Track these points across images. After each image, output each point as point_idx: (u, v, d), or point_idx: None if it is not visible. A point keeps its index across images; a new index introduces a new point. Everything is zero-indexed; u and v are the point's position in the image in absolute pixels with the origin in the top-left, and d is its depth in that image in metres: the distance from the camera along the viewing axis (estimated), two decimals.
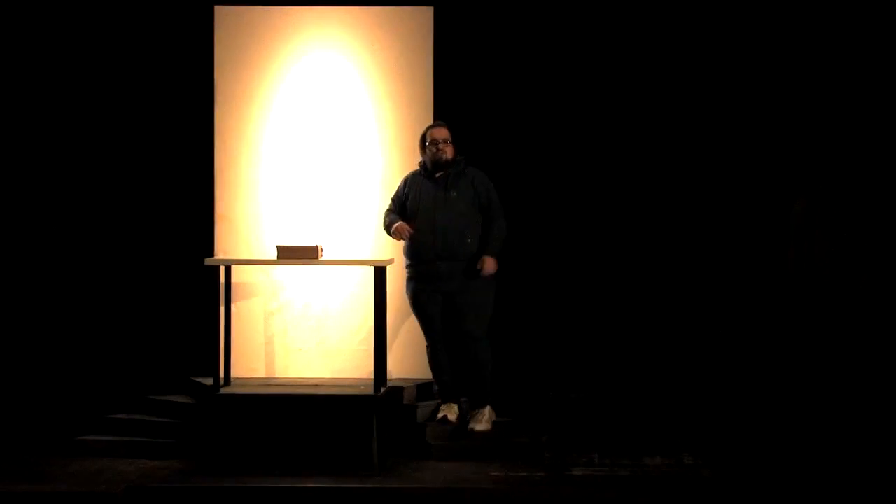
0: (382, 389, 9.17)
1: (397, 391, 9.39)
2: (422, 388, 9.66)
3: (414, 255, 9.37)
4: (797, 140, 10.36)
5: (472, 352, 9.29)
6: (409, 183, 9.50)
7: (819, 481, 8.55)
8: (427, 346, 9.48)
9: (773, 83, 10.37)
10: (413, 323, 9.65)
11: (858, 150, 10.32)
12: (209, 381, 9.33)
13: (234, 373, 9.69)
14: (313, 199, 9.96)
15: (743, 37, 10.36)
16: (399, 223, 9.35)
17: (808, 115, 10.34)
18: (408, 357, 9.82)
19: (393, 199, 9.56)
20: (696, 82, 10.41)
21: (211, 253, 9.88)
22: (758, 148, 10.39)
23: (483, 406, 9.35)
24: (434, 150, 9.39)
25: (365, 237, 9.90)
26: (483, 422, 9.29)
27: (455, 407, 9.40)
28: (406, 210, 9.45)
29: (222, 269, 9.49)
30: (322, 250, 9.37)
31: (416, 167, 9.66)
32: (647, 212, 10.45)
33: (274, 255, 9.41)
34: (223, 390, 9.29)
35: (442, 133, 9.43)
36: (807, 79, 10.34)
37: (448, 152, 9.40)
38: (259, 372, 9.91)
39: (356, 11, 9.97)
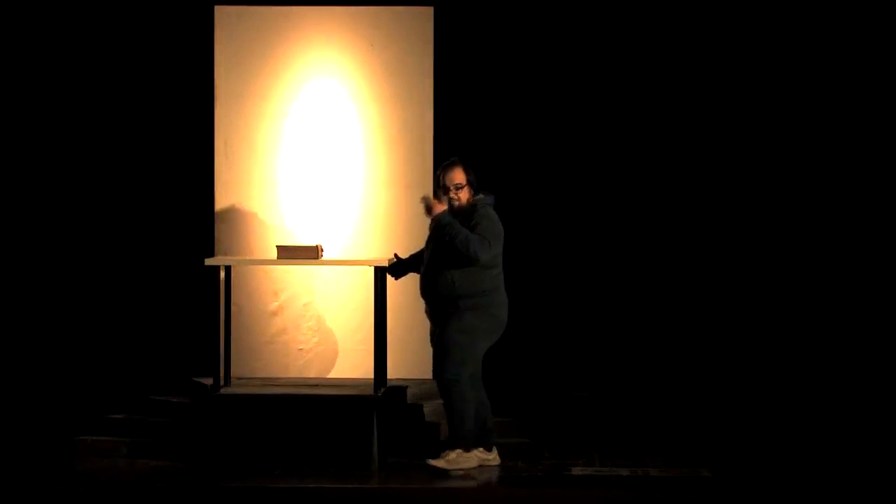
0: (382, 389, 9.17)
1: (397, 391, 9.39)
2: (422, 388, 9.65)
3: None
4: (793, 139, 10.37)
5: (443, 394, 8.74)
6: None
7: (819, 481, 8.54)
8: None
9: (767, 85, 10.37)
10: (413, 323, 9.67)
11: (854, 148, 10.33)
12: (209, 381, 9.33)
13: (234, 373, 9.69)
14: (313, 199, 9.95)
15: (746, 41, 10.36)
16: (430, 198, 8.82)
17: (798, 116, 10.35)
18: (408, 357, 9.81)
19: None
20: (696, 85, 10.41)
21: (211, 253, 9.88)
22: (756, 151, 10.39)
23: (452, 448, 8.77)
24: (447, 197, 8.79)
25: (365, 237, 9.90)
26: (442, 460, 8.74)
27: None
28: None
29: (222, 269, 9.49)
30: (322, 250, 9.36)
31: (413, 168, 9.70)
32: (652, 211, 10.44)
33: (274, 255, 9.40)
34: (223, 390, 9.28)
35: (454, 178, 8.79)
36: (795, 78, 10.34)
37: (462, 198, 8.75)
38: (259, 372, 9.90)
39: (356, 11, 9.96)
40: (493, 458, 8.93)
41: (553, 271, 10.44)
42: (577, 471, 8.84)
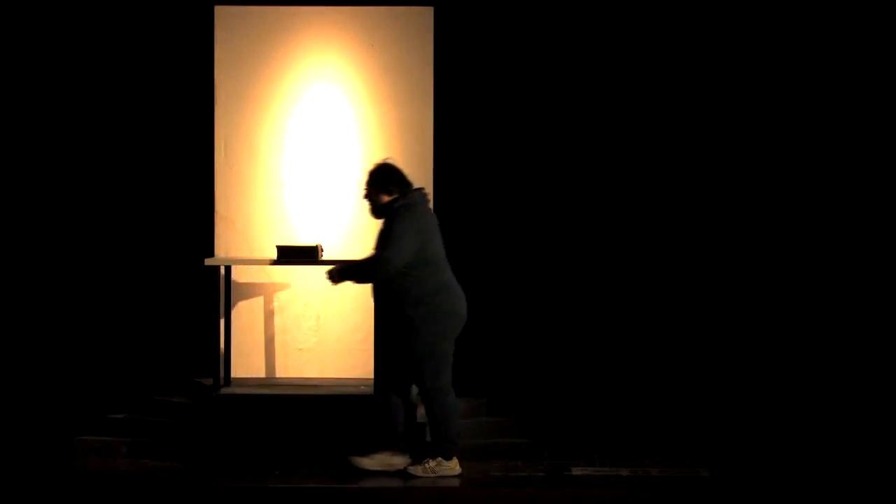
0: None
1: None
2: None
3: None
4: (790, 137, 10.37)
5: (426, 404, 8.66)
6: None
7: (819, 481, 8.54)
8: None
9: (763, 83, 10.38)
10: None
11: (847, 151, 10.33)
12: (209, 381, 9.33)
13: (234, 373, 9.69)
14: (313, 199, 9.96)
15: (743, 42, 10.37)
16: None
17: (794, 114, 10.36)
18: None
19: None
20: (694, 82, 10.41)
21: (211, 253, 9.88)
22: (754, 147, 10.40)
23: (434, 456, 8.68)
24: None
25: (365, 237, 9.88)
26: (420, 466, 8.65)
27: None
28: None
29: (222, 268, 9.49)
30: (322, 250, 9.36)
31: (413, 167, 9.72)
32: (653, 211, 10.43)
33: (274, 255, 9.40)
34: (223, 390, 9.29)
35: (364, 183, 8.81)
36: (794, 77, 10.34)
37: (372, 199, 8.74)
38: (259, 372, 9.90)
39: (356, 11, 9.97)
40: (400, 462, 8.76)
41: (553, 271, 10.43)
42: (577, 471, 8.84)
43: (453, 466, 8.71)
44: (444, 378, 8.66)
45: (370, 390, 9.10)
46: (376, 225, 9.79)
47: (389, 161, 8.83)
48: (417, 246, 8.54)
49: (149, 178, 10.44)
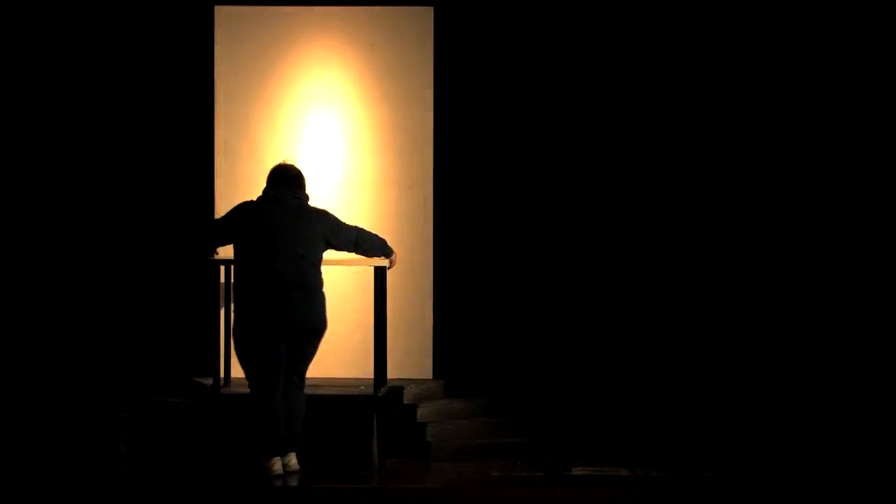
0: (382, 389, 9.17)
1: (397, 391, 9.39)
2: (421, 388, 9.65)
3: None
4: (786, 137, 10.38)
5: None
6: None
7: (819, 482, 8.55)
8: None
9: (761, 84, 10.39)
10: (413, 323, 9.68)
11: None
12: (209, 381, 9.33)
13: (234, 373, 9.68)
14: (313, 199, 9.94)
15: (743, 42, 10.38)
16: None
17: (791, 115, 10.37)
18: (408, 357, 9.81)
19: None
20: (693, 83, 10.41)
21: (211, 253, 9.87)
22: (755, 150, 10.41)
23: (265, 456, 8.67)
24: None
25: None
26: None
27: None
28: None
29: (222, 268, 9.49)
30: None
31: (413, 168, 9.73)
32: (653, 212, 10.44)
33: None
34: (223, 390, 9.28)
35: None
36: (793, 77, 10.35)
37: None
38: None
39: (356, 11, 9.98)
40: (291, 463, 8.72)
41: (553, 271, 10.43)
42: (577, 471, 8.84)
43: (268, 466, 8.58)
44: (259, 376, 8.64)
45: (370, 390, 9.11)
46: (376, 225, 9.82)
47: (280, 163, 8.84)
48: (223, 236, 8.79)
49: (149, 178, 10.44)
